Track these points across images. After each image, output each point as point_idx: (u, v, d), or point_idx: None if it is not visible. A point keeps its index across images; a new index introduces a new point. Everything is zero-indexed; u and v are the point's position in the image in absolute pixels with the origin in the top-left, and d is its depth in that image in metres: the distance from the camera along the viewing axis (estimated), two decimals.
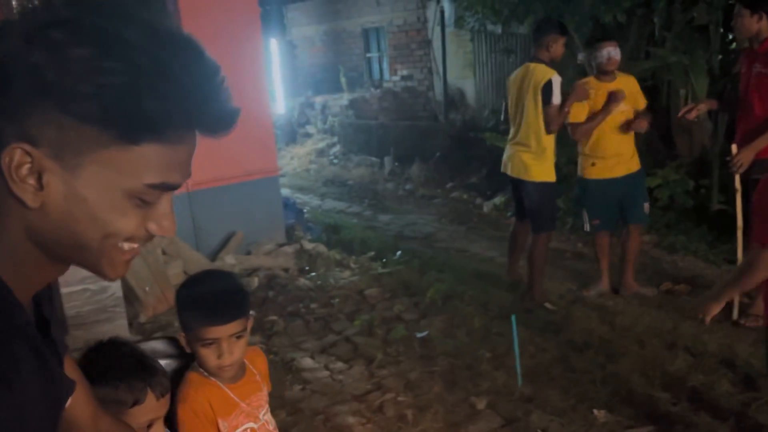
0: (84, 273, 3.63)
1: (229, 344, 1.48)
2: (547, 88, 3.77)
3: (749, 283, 2.10)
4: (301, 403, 3.03)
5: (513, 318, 3.00)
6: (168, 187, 0.68)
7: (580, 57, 3.88)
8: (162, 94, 0.61)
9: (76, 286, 3.47)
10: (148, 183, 0.66)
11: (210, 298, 1.49)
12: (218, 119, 0.68)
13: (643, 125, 3.90)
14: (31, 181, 0.63)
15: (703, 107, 3.96)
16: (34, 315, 0.74)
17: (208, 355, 1.48)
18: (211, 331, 1.47)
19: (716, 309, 2.16)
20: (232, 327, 1.48)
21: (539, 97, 3.81)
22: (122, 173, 0.64)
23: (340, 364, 3.44)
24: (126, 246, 0.70)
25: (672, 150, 6.01)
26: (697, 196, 5.57)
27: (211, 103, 0.66)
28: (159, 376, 1.33)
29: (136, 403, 1.26)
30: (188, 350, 1.54)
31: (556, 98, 3.78)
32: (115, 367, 1.27)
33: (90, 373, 1.24)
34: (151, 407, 1.29)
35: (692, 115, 3.91)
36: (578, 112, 3.88)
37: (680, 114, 4.05)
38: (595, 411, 2.84)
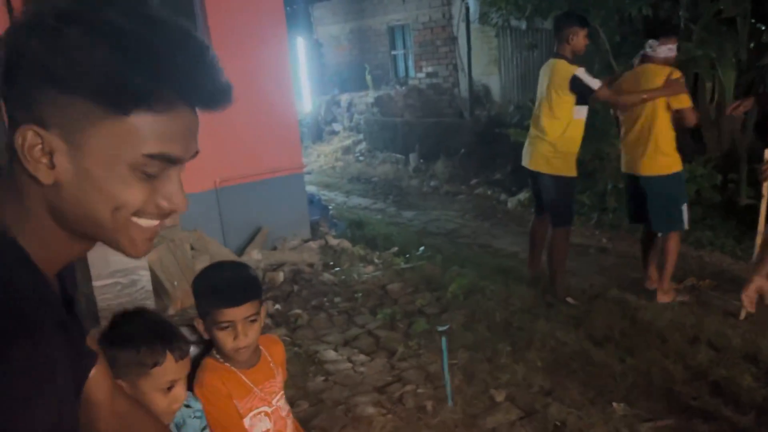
0: (115, 267, 3.76)
1: (244, 327, 1.56)
2: (577, 83, 3.75)
3: None
4: (323, 394, 3.09)
5: (443, 340, 2.94)
6: (168, 159, 0.72)
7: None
8: (145, 68, 0.66)
9: (106, 279, 3.60)
10: (145, 153, 0.70)
11: (223, 283, 1.59)
12: (209, 92, 0.72)
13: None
14: (44, 160, 0.69)
15: (748, 103, 3.92)
16: (59, 291, 0.80)
17: (224, 337, 1.56)
18: (226, 314, 1.55)
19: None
20: (246, 309, 1.56)
21: (565, 95, 3.80)
22: (121, 145, 0.69)
23: (362, 357, 3.50)
24: (143, 223, 0.74)
25: (700, 144, 5.93)
26: (725, 191, 5.50)
27: (198, 76, 0.70)
28: (178, 340, 1.42)
29: (156, 364, 1.35)
30: (206, 336, 1.61)
31: (595, 83, 3.77)
32: (138, 332, 1.37)
33: (115, 338, 1.35)
34: (170, 369, 1.38)
35: (740, 110, 3.89)
36: (685, 98, 3.79)
37: (729, 110, 4.01)
38: (614, 404, 2.85)
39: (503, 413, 2.85)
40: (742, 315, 3.58)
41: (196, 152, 0.76)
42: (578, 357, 3.29)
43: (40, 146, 0.69)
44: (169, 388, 1.39)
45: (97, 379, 0.96)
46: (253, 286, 1.62)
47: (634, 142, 3.89)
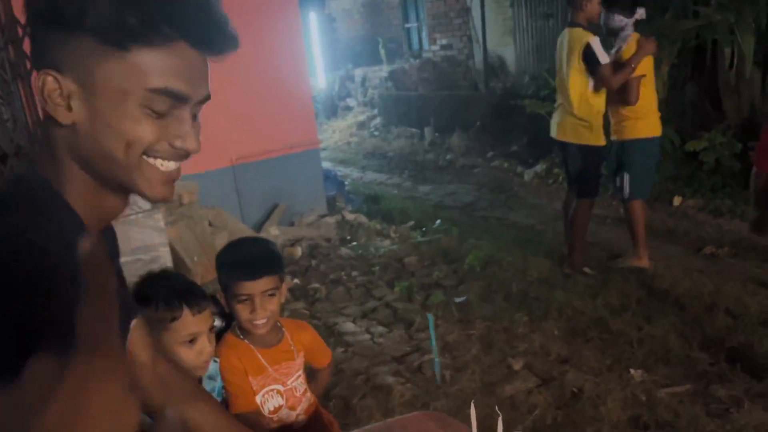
0: (136, 244, 3.83)
1: (262, 301, 1.59)
2: (588, 53, 3.72)
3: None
4: (343, 364, 3.15)
5: (429, 317, 2.89)
6: (174, 95, 0.74)
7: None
8: (141, 4, 0.70)
9: (128, 256, 3.66)
10: (149, 87, 0.72)
11: (243, 257, 1.64)
12: (204, 29, 0.74)
13: None
14: (62, 103, 0.73)
15: None
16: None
17: (242, 310, 1.60)
18: (244, 287, 1.58)
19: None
20: (263, 283, 1.59)
21: (578, 64, 3.76)
22: (126, 81, 0.72)
23: (380, 328, 3.55)
24: (158, 164, 0.77)
25: (719, 112, 5.85)
26: (744, 159, 5.43)
27: (195, 14, 0.72)
28: (196, 295, 1.49)
29: (174, 319, 1.44)
30: (227, 309, 1.66)
31: (603, 58, 3.71)
32: (157, 291, 1.46)
33: (137, 299, 1.41)
34: (189, 322, 1.46)
35: None
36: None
37: None
38: (632, 370, 2.87)
39: (521, 381, 2.89)
40: None
41: (208, 96, 0.78)
42: (595, 325, 3.31)
43: (58, 90, 0.73)
44: (192, 341, 1.47)
45: (139, 339, 1.01)
46: (271, 261, 1.65)
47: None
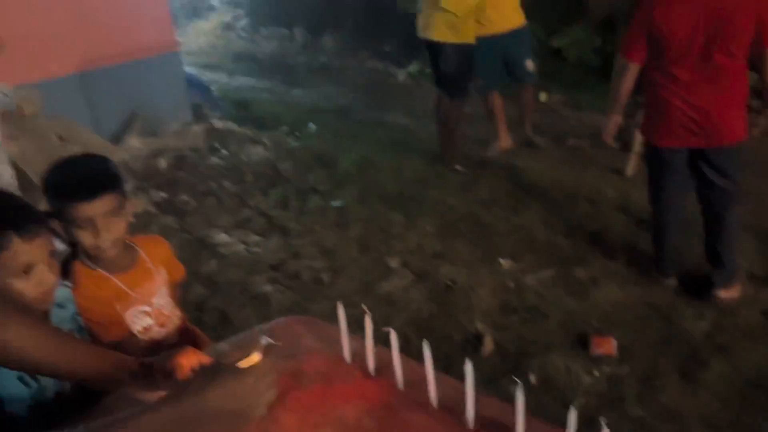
0: None
1: (105, 223, 1.43)
2: None
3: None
4: (217, 276, 3.04)
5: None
6: None
7: None
8: None
9: None
10: None
11: (73, 177, 1.43)
12: None
13: None
14: None
15: None
16: None
17: (84, 236, 1.43)
18: (81, 209, 1.40)
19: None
20: (102, 204, 1.42)
21: None
22: None
23: (255, 238, 3.45)
24: None
25: (582, 7, 6.00)
26: (604, 54, 5.66)
27: None
28: (27, 219, 1.26)
29: (1, 249, 1.22)
30: (66, 238, 1.47)
31: None
32: None
33: None
34: (20, 251, 1.24)
35: None
36: None
37: None
38: (501, 260, 3.00)
39: (398, 278, 2.94)
40: (629, 172, 3.79)
41: None
42: (467, 220, 3.41)
43: None
44: (27, 272, 1.26)
45: None
46: (108, 177, 1.46)
47: None
